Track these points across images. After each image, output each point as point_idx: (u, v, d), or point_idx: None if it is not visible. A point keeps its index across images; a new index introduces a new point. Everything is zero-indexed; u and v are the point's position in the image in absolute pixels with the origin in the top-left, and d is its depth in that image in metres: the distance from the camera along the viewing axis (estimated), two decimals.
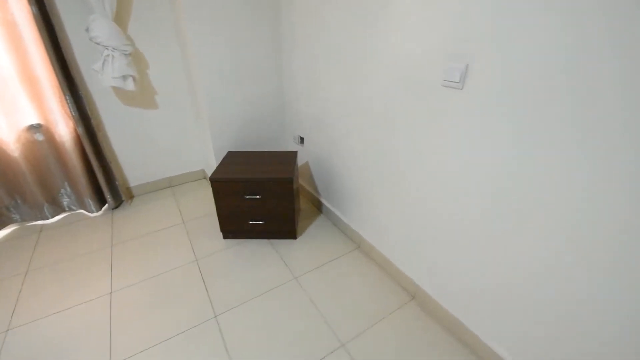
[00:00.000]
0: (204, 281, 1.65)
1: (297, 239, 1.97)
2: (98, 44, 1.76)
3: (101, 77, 1.85)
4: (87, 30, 1.75)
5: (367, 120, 1.53)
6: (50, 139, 1.95)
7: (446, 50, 1.07)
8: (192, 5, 1.76)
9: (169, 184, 2.55)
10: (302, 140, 2.25)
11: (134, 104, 2.18)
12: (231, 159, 1.96)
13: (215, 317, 1.45)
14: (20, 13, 1.64)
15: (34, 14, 1.63)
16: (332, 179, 1.99)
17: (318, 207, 2.26)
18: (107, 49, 1.79)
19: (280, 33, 2.09)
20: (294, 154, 2.01)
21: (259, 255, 1.83)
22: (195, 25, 1.81)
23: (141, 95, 2.17)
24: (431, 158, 1.25)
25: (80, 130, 1.95)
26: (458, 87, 1.06)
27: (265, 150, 2.26)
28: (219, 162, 2.18)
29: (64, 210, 2.18)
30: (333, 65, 1.66)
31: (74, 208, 2.20)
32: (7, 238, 1.99)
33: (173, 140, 2.42)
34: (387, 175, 1.51)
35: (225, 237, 1.97)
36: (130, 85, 1.91)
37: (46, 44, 1.71)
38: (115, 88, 2.05)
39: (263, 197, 1.79)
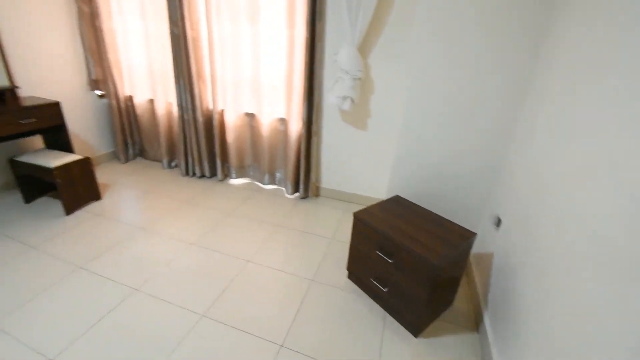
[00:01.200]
0: (302, 301, 1.60)
1: (418, 339, 1.47)
2: (338, 65, 2.02)
3: (328, 93, 2.13)
4: (335, 54, 2.04)
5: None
6: (285, 131, 2.52)
7: None
8: (426, 30, 1.60)
9: (349, 199, 2.66)
10: (499, 222, 1.61)
11: (349, 121, 2.37)
12: (393, 204, 1.72)
13: (280, 346, 1.37)
14: (300, 36, 2.15)
15: (306, 38, 2.09)
16: (516, 301, 1.28)
17: (475, 319, 1.58)
18: (342, 72, 2.01)
19: (533, 72, 1.52)
20: (470, 236, 1.47)
21: (361, 324, 1.53)
22: (417, 56, 1.65)
23: (357, 115, 2.33)
24: None
25: (304, 131, 2.38)
26: None
27: (440, 214, 1.81)
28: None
29: (274, 183, 2.82)
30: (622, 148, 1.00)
31: (280, 185, 2.79)
32: (241, 187, 2.83)
33: (369, 162, 2.46)
34: None
35: (349, 277, 1.81)
36: (346, 105, 2.08)
37: (306, 61, 2.16)
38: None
39: (396, 265, 1.45)
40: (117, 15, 2.71)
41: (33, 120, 2.15)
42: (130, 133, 3.16)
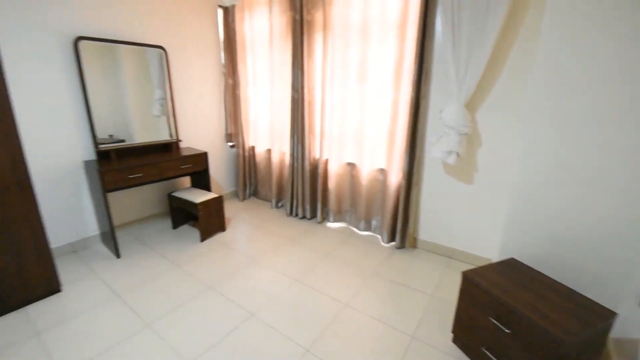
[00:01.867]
0: (402, 358, 1.56)
1: None
2: (443, 122, 2.10)
3: (432, 148, 2.19)
4: (440, 111, 2.13)
5: None
6: (384, 181, 2.64)
7: None
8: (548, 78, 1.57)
9: (449, 254, 2.53)
10: None
11: (453, 173, 2.36)
12: (509, 268, 1.60)
13: None
14: (405, 95, 2.33)
15: (411, 97, 2.26)
16: None
17: None
18: (447, 127, 2.08)
19: None
20: (609, 316, 1.26)
21: None
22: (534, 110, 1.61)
23: (461, 168, 2.30)
24: None
25: (403, 182, 2.46)
26: None
27: (565, 284, 1.58)
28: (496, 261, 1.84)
29: (369, 230, 2.90)
30: None
31: (375, 233, 2.85)
32: (338, 230, 3.00)
33: (473, 217, 2.35)
34: None
35: (454, 340, 1.69)
36: (451, 159, 2.10)
37: (410, 118, 2.30)
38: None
39: (515, 337, 1.32)
40: (252, 85, 3.43)
41: (189, 166, 2.82)
42: (249, 176, 3.76)
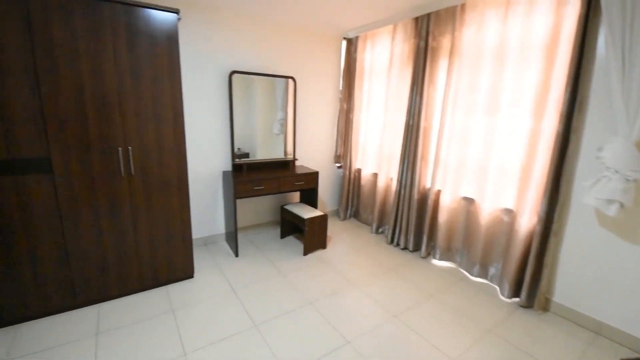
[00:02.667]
0: None
1: None
2: (602, 163, 1.68)
3: (584, 193, 1.77)
4: (599, 149, 1.72)
5: None
6: (511, 223, 2.26)
7: None
8: None
9: (595, 329, 1.96)
10: None
11: (612, 227, 1.85)
12: None
13: None
14: (548, 127, 1.98)
15: (558, 130, 1.90)
16: None
17: None
18: (608, 170, 1.66)
19: None
20: None
21: None
22: None
23: (625, 223, 1.78)
24: None
25: (538, 228, 2.06)
26: None
27: None
28: None
29: (485, 277, 2.51)
30: None
31: (492, 282, 2.45)
32: (444, 270, 2.71)
33: (639, 288, 1.78)
34: None
35: None
36: (612, 210, 1.65)
37: (554, 154, 1.94)
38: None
39: None
40: (365, 110, 3.52)
41: (302, 183, 3.05)
42: (352, 197, 3.82)
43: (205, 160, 2.91)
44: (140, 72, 1.94)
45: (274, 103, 3.16)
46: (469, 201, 2.59)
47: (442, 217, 2.74)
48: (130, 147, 1.99)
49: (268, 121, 3.17)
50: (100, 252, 2.03)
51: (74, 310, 2.02)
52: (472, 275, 2.59)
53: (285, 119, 3.25)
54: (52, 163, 1.78)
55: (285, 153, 3.32)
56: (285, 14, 2.87)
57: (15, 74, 1.63)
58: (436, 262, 2.85)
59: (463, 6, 2.43)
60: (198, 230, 2.99)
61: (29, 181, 1.75)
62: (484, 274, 2.52)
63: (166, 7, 1.94)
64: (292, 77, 3.16)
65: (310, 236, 2.89)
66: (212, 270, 2.59)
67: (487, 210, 2.42)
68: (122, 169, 1.99)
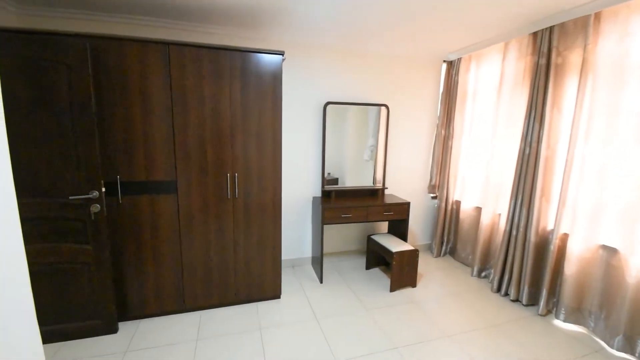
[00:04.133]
0: None
1: None
2: None
3: None
4: None
5: None
6: None
7: None
8: None
9: None
10: None
11: None
12: None
13: None
14: None
15: None
16: None
17: None
18: None
19: None
20: None
21: None
22: None
23: None
24: None
25: None
26: None
27: None
28: None
29: (631, 353, 1.85)
30: None
31: None
32: (571, 335, 2.11)
33: None
34: None
35: None
36: None
37: None
38: None
39: None
40: (467, 136, 3.19)
41: (391, 213, 2.89)
42: (448, 232, 3.44)
43: (297, 186, 3.06)
44: (249, 109, 2.20)
45: (365, 130, 3.16)
46: (611, 251, 2.00)
47: (570, 268, 2.18)
48: (236, 173, 2.24)
49: (358, 148, 3.17)
50: (207, 265, 2.29)
51: (181, 314, 2.30)
52: (612, 347, 1.95)
53: (375, 145, 3.19)
54: (178, 185, 2.13)
55: (375, 181, 3.23)
56: (383, 46, 2.90)
57: (157, 113, 2.04)
58: (560, 323, 2.26)
59: (598, 15, 2.00)
60: (287, 252, 3.12)
61: (159, 200, 2.12)
62: (630, 348, 1.86)
63: (274, 50, 2.17)
64: (385, 105, 3.12)
65: (399, 271, 2.68)
66: (297, 294, 2.63)
67: (639, 266, 1.82)
68: (228, 192, 2.24)
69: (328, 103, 2.95)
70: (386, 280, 2.89)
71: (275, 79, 2.22)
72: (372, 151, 3.20)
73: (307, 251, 3.21)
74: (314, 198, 3.06)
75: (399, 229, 3.06)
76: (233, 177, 2.23)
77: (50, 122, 1.78)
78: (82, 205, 1.88)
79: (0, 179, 0.89)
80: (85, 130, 1.83)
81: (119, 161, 2.01)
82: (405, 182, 3.45)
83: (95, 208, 1.89)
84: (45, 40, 1.72)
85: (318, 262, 2.86)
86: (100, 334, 2.05)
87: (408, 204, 2.93)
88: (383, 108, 3.13)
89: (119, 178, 2.02)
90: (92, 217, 1.90)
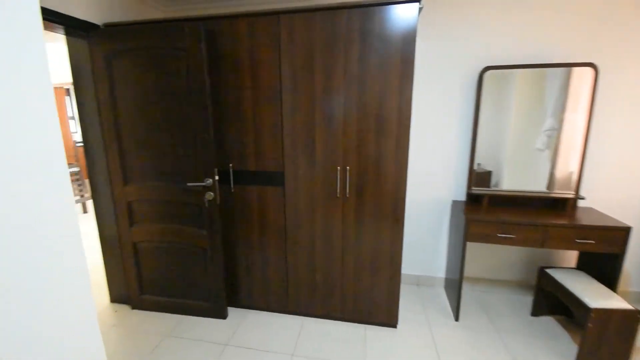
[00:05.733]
0: None
1: None
2: None
3: None
4: None
5: None
6: None
7: None
8: None
9: None
10: None
11: None
12: None
13: None
14: None
15: None
16: None
17: None
18: None
19: None
20: None
21: None
22: None
23: None
24: None
25: None
26: None
27: None
28: None
29: None
30: None
31: None
32: None
33: None
34: None
35: None
36: None
37: None
38: None
39: None
40: None
41: (590, 242, 1.78)
42: None
43: (430, 184, 2.34)
44: (368, 84, 1.69)
45: (539, 105, 2.06)
46: None
47: None
48: (348, 167, 1.80)
49: (527, 132, 2.11)
50: (311, 270, 2.00)
51: (285, 315, 2.12)
52: None
53: (559, 129, 2.05)
54: (285, 176, 1.89)
55: (553, 183, 2.10)
56: None
57: (266, 96, 1.81)
58: None
59: None
60: (411, 266, 2.49)
61: (267, 191, 1.95)
62: None
63: None
64: (590, 65, 1.93)
65: (596, 338, 1.62)
66: (419, 327, 2.01)
67: None
68: (338, 189, 1.84)
69: (487, 69, 2.05)
70: (568, 344, 1.85)
71: (406, 40, 1.61)
72: (549, 137, 2.08)
73: (440, 269, 2.47)
74: (454, 202, 2.28)
75: (602, 266, 1.89)
76: (344, 171, 1.81)
77: (173, 111, 1.84)
78: (199, 192, 1.90)
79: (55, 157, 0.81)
80: (200, 117, 1.80)
81: (231, 149, 1.93)
82: (620, 191, 2.12)
83: (210, 196, 1.88)
84: (164, 28, 1.75)
85: (454, 287, 2.12)
86: (212, 317, 2.10)
87: (627, 229, 1.73)
88: (584, 70, 1.95)
89: (231, 167, 1.95)
90: (207, 204, 1.91)
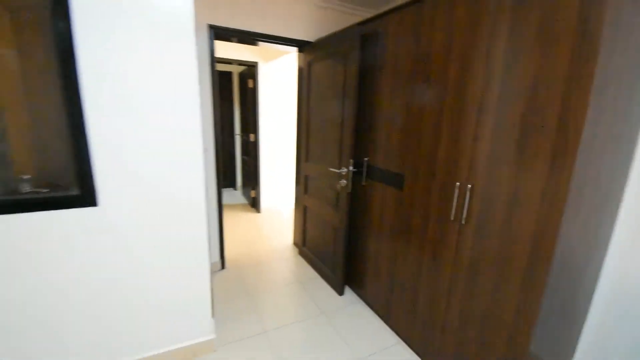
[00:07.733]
0: None
1: None
2: None
3: None
4: None
5: None
6: None
7: None
8: None
9: None
10: None
11: None
12: None
13: None
14: None
15: None
16: None
17: None
18: None
19: None
20: None
21: None
22: None
23: None
24: None
25: None
26: None
27: None
28: None
29: None
30: None
31: None
32: None
33: None
34: None
35: None
36: None
37: None
38: None
39: None
40: None
41: None
42: None
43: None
44: (517, 72, 1.15)
45: None
46: None
47: None
48: (469, 185, 1.35)
49: None
50: (412, 297, 1.73)
51: (385, 327, 1.98)
52: None
53: None
54: (404, 180, 1.71)
55: None
56: None
57: (397, 90, 1.68)
58: None
59: None
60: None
61: (387, 191, 1.85)
62: None
63: None
64: None
65: None
66: None
67: None
68: (453, 211, 1.43)
69: None
70: None
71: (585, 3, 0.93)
72: None
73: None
74: None
75: None
76: (463, 190, 1.38)
77: (334, 107, 2.15)
78: (337, 178, 2.15)
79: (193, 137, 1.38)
80: (350, 112, 1.99)
81: (366, 143, 2.00)
82: None
83: (342, 183, 2.09)
84: (334, 36, 2.05)
85: None
86: (332, 288, 2.36)
87: None
88: None
89: (366, 161, 2.01)
90: (339, 190, 2.13)
